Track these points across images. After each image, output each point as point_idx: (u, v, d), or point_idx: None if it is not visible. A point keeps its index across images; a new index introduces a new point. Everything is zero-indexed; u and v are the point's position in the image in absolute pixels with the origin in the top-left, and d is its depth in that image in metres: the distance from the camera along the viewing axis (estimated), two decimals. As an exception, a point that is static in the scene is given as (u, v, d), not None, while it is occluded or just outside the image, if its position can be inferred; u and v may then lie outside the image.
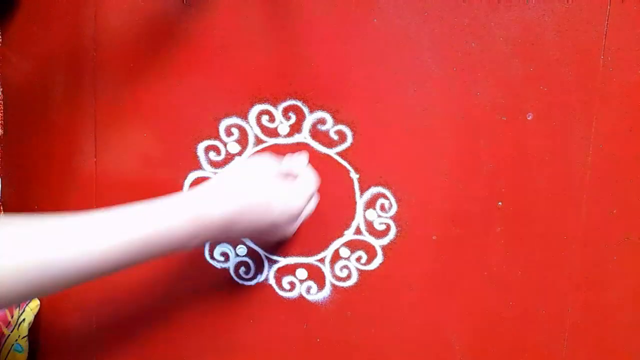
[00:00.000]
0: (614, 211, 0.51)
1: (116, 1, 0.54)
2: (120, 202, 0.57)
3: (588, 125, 0.50)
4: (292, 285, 0.56)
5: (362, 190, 0.54)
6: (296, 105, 0.53)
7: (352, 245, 0.55)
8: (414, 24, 0.50)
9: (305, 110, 0.53)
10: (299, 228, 0.55)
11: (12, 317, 0.57)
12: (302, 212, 0.47)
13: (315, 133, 0.53)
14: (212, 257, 0.57)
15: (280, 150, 0.54)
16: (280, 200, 0.44)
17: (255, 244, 0.46)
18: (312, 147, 0.53)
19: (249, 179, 0.43)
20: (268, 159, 0.48)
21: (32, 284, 0.33)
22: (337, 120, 0.53)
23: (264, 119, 0.54)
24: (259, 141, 0.54)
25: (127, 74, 0.55)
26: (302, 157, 0.52)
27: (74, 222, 0.35)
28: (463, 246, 0.53)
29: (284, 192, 0.45)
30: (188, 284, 0.57)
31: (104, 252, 0.35)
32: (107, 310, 0.60)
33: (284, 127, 0.54)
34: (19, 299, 0.33)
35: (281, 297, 0.56)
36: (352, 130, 0.53)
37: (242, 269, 0.57)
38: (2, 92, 0.57)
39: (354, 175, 0.53)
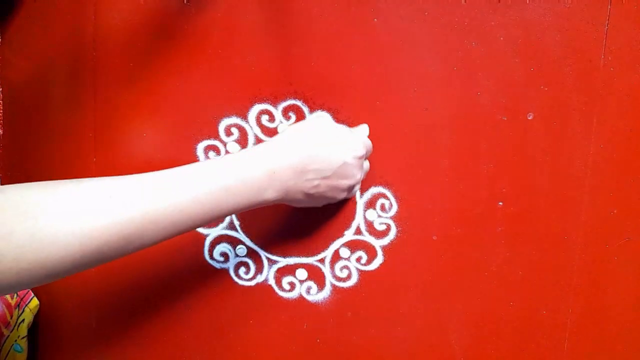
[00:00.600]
0: (615, 211, 0.51)
1: (116, 1, 0.54)
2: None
3: (589, 125, 0.50)
4: (292, 285, 0.56)
5: (362, 190, 0.53)
6: (296, 105, 0.53)
7: (352, 246, 0.54)
8: (414, 24, 0.50)
9: (305, 110, 0.53)
10: (299, 228, 0.55)
11: (11, 317, 0.57)
12: (364, 157, 0.49)
13: (315, 133, 0.53)
14: (211, 258, 0.57)
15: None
16: (345, 142, 0.46)
17: (330, 196, 0.46)
18: (312, 147, 0.53)
19: (315, 128, 0.46)
20: (328, 117, 0.52)
21: (130, 237, 0.34)
22: (337, 120, 0.53)
23: (264, 118, 0.54)
24: (259, 141, 0.54)
25: (127, 74, 0.55)
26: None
27: (161, 176, 0.38)
28: (463, 246, 0.53)
29: (344, 134, 0.47)
30: (188, 285, 0.57)
31: (183, 205, 0.37)
32: (107, 310, 0.60)
33: (284, 127, 0.54)
34: (117, 253, 0.34)
35: (281, 297, 0.56)
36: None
37: (242, 269, 0.56)
38: (2, 92, 0.57)
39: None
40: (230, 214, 0.41)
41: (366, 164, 0.51)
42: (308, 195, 0.45)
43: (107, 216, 0.33)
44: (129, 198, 0.35)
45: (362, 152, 0.47)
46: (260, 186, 0.41)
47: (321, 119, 0.48)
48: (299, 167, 0.43)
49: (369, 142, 0.50)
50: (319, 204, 0.49)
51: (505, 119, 0.51)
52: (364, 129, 0.51)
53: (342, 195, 0.48)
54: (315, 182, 0.44)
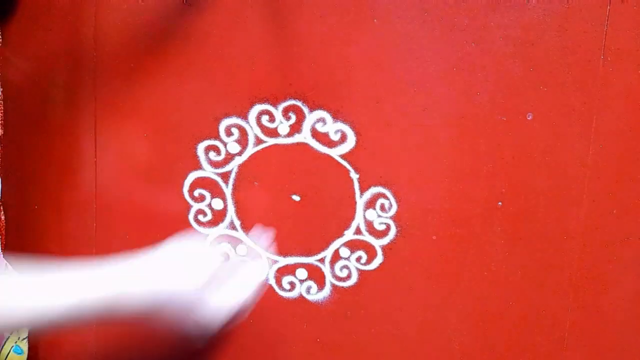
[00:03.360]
0: (614, 211, 0.51)
1: (116, 1, 0.54)
2: (120, 202, 0.57)
3: (588, 125, 0.50)
4: (292, 285, 0.56)
5: (362, 190, 0.53)
6: (296, 105, 0.53)
7: (352, 245, 0.54)
8: (414, 24, 0.50)
9: (305, 110, 0.53)
10: (299, 228, 0.55)
11: (11, 317, 0.57)
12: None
13: (315, 133, 0.53)
14: (212, 258, 0.57)
15: (280, 150, 0.54)
16: None
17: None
18: (312, 147, 0.53)
19: None
20: None
21: None
22: (337, 120, 0.53)
23: (264, 118, 0.54)
24: (259, 141, 0.54)
25: (127, 73, 0.55)
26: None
27: None
28: (463, 246, 0.53)
29: None
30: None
31: None
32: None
33: (284, 127, 0.54)
34: None
35: (281, 297, 0.56)
36: (352, 130, 0.53)
37: (242, 269, 0.56)
38: (2, 92, 0.57)
39: (354, 175, 0.53)
40: None
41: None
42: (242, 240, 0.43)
43: None
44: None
45: None
46: None
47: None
48: None
49: None
50: None
51: (505, 119, 0.51)
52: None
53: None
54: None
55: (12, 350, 0.57)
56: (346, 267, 0.55)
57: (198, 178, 0.55)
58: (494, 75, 0.50)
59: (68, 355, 0.62)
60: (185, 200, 0.56)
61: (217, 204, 0.56)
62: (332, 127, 0.53)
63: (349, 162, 0.53)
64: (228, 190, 0.55)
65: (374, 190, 0.53)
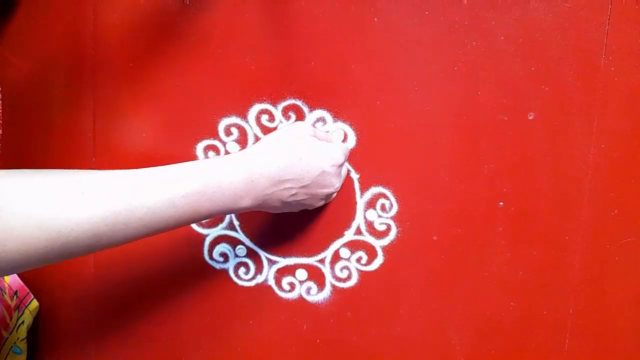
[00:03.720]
0: (615, 211, 0.50)
1: (116, 1, 0.54)
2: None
3: (589, 125, 0.49)
4: (292, 286, 0.56)
5: (363, 190, 0.53)
6: (296, 105, 0.53)
7: (353, 246, 0.54)
8: (414, 24, 0.50)
9: (305, 109, 0.53)
10: (299, 228, 0.54)
11: (10, 319, 0.57)
12: (343, 164, 0.49)
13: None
14: (211, 258, 0.57)
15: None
16: (323, 149, 0.46)
17: (307, 204, 0.47)
18: (312, 147, 0.53)
19: (294, 137, 0.46)
20: (307, 124, 0.50)
21: (100, 236, 0.34)
22: (337, 120, 0.53)
23: (264, 118, 0.54)
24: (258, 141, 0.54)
25: (127, 74, 0.55)
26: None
27: (137, 176, 0.37)
28: (464, 246, 0.53)
29: (324, 143, 0.47)
30: (187, 285, 0.57)
31: (158, 205, 0.36)
32: (106, 311, 0.60)
33: (283, 127, 0.53)
34: (85, 250, 0.34)
35: (281, 297, 0.56)
36: (352, 129, 0.53)
37: (241, 270, 0.56)
38: (2, 92, 0.57)
39: (354, 175, 0.53)
40: (204, 219, 0.40)
41: (344, 170, 0.51)
42: (285, 203, 0.45)
43: (78, 214, 0.32)
44: (102, 196, 0.33)
45: (341, 160, 0.47)
46: (237, 194, 0.41)
47: (300, 126, 0.48)
48: (277, 176, 0.43)
49: (347, 148, 0.50)
50: (296, 209, 0.49)
51: (506, 118, 0.50)
52: (339, 137, 0.52)
53: (320, 203, 0.49)
54: (293, 191, 0.44)
55: (11, 351, 0.56)
56: (346, 267, 0.55)
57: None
58: (495, 74, 0.50)
59: (67, 352, 0.62)
60: (185, 200, 0.56)
61: (217, 204, 0.55)
62: (332, 127, 0.53)
63: (349, 162, 0.53)
64: (228, 191, 0.55)
65: (375, 190, 0.53)
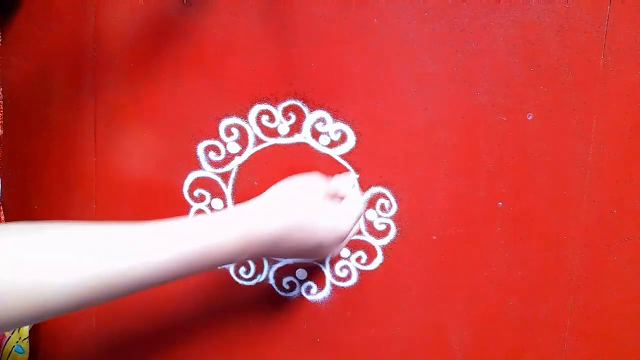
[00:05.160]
0: (614, 211, 0.51)
1: (116, 1, 0.54)
2: (120, 203, 0.57)
3: (588, 125, 0.50)
4: (292, 285, 0.56)
5: (362, 190, 0.53)
6: (296, 105, 0.53)
7: (352, 245, 0.54)
8: (414, 24, 0.50)
9: (305, 110, 0.53)
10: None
11: (12, 317, 0.57)
12: (349, 234, 0.47)
13: (315, 133, 0.53)
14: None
15: (280, 150, 0.54)
16: (328, 222, 0.44)
17: (310, 259, 0.47)
18: (312, 147, 0.53)
19: (298, 198, 0.44)
20: (317, 178, 0.48)
21: (102, 291, 0.33)
22: (337, 120, 0.53)
23: (264, 118, 0.54)
24: (258, 141, 0.54)
25: (127, 74, 0.55)
26: (350, 178, 0.51)
27: (128, 232, 0.36)
28: (463, 246, 0.53)
29: (332, 213, 0.45)
30: (187, 284, 0.57)
31: (157, 263, 0.36)
32: (106, 310, 0.60)
33: (284, 127, 0.54)
34: (73, 308, 0.33)
35: (281, 297, 0.56)
36: (352, 130, 0.53)
37: (242, 269, 0.56)
38: (2, 92, 0.57)
39: (354, 175, 0.53)
40: (204, 271, 0.40)
41: (357, 225, 0.50)
42: (286, 258, 0.44)
43: (81, 271, 0.32)
44: (106, 254, 0.34)
45: (346, 233, 0.46)
46: (235, 251, 0.40)
47: (313, 184, 0.46)
48: (278, 236, 0.41)
49: (359, 209, 0.48)
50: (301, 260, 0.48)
51: (505, 119, 0.51)
52: (351, 201, 0.48)
53: (325, 257, 0.48)
54: (294, 251, 0.43)
55: (13, 350, 0.57)
56: (346, 267, 0.55)
57: (198, 178, 0.55)
58: (494, 75, 0.50)
59: (68, 352, 0.62)
60: (185, 200, 0.56)
61: (217, 204, 0.56)
62: (332, 127, 0.53)
63: (349, 162, 0.53)
64: (228, 191, 0.55)
65: (374, 190, 0.53)
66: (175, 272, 0.37)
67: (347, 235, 0.46)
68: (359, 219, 0.48)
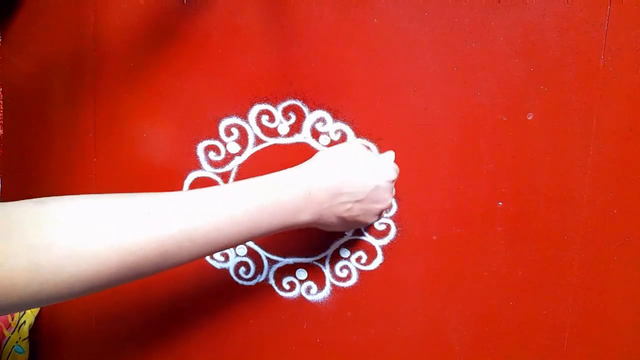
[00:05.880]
0: (614, 211, 0.51)
1: (116, 1, 0.54)
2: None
3: (588, 125, 0.50)
4: (292, 285, 0.56)
5: (362, 190, 0.53)
6: (296, 105, 0.53)
7: (352, 246, 0.54)
8: (414, 24, 0.50)
9: (305, 110, 0.53)
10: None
11: (12, 319, 0.57)
12: (394, 180, 0.49)
13: (315, 133, 0.53)
14: (211, 257, 0.57)
15: (280, 150, 0.54)
16: (380, 166, 0.48)
17: (361, 220, 0.47)
18: (312, 147, 0.53)
19: (349, 152, 0.47)
20: (359, 143, 0.51)
21: (167, 254, 0.34)
22: (337, 120, 0.53)
23: (264, 118, 0.54)
24: (258, 141, 0.54)
25: (127, 74, 0.55)
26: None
27: (199, 195, 0.38)
28: (463, 246, 0.53)
29: (379, 159, 0.49)
30: (188, 284, 0.57)
31: (227, 222, 0.37)
32: (106, 310, 0.60)
33: (284, 127, 0.54)
34: (154, 269, 0.34)
35: (281, 297, 0.56)
36: (352, 130, 0.53)
37: (242, 269, 0.56)
38: (2, 92, 0.57)
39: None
40: (264, 235, 0.41)
41: (394, 190, 0.52)
42: (341, 219, 0.45)
43: (146, 232, 0.33)
44: (167, 215, 0.35)
45: (393, 176, 0.48)
46: (296, 208, 0.42)
47: (354, 143, 0.50)
48: (334, 190, 0.44)
49: (397, 168, 0.50)
50: (349, 228, 0.49)
51: (505, 119, 0.51)
52: (391, 155, 0.52)
53: (373, 220, 0.49)
54: (349, 205, 0.45)
55: (13, 350, 0.57)
56: (346, 267, 0.55)
57: (198, 178, 0.55)
58: (494, 75, 0.50)
59: (68, 352, 0.62)
60: (185, 200, 0.56)
61: (217, 204, 0.56)
62: (332, 127, 0.53)
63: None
64: (228, 190, 0.55)
65: (374, 190, 0.53)
66: (239, 232, 0.38)
67: (394, 181, 0.49)
68: (396, 173, 0.50)
